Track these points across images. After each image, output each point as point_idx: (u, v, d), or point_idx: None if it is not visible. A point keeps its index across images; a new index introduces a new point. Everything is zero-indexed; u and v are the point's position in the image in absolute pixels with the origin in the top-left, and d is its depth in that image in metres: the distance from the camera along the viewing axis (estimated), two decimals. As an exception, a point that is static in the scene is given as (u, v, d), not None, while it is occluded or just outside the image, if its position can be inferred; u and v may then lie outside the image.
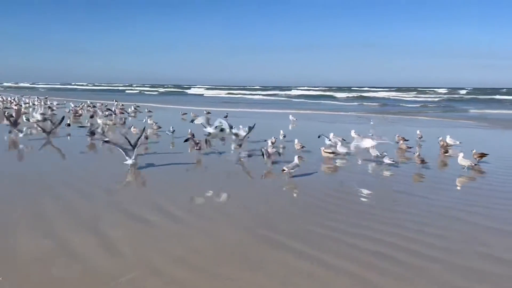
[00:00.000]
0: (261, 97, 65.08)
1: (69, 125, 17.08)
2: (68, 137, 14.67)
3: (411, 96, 66.51)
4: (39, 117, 17.69)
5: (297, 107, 35.82)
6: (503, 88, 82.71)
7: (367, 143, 10.82)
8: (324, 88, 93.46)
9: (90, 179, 8.52)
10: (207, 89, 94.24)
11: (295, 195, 7.91)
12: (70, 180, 8.37)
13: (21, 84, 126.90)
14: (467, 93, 70.43)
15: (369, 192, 7.99)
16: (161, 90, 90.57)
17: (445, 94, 70.66)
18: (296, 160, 9.21)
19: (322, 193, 7.86)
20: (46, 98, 35.92)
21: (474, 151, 10.92)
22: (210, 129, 12.51)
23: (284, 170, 9.04)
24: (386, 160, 10.36)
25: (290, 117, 22.15)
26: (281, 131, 14.77)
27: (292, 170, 9.08)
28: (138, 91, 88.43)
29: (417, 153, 10.68)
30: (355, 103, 47.17)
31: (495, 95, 62.45)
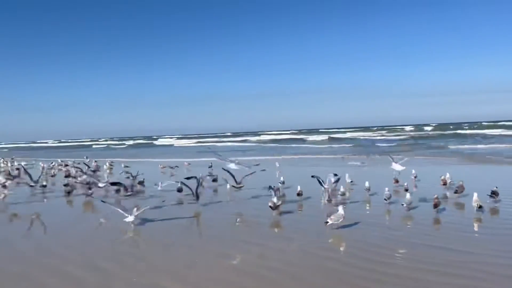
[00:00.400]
0: (232, 143, 64.77)
1: (44, 186, 15.66)
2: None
3: (380, 135, 67.86)
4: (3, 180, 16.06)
5: (273, 153, 35.12)
6: (465, 123, 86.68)
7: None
8: (294, 131, 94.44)
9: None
10: (178, 138, 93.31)
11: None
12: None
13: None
14: (433, 129, 72.80)
15: (403, 251, 6.94)
16: (129, 142, 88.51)
17: (412, 131, 72.79)
18: (340, 210, 8.30)
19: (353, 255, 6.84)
20: (12, 159, 33.53)
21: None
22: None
23: (327, 222, 8.16)
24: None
25: (276, 164, 21.33)
26: (281, 177, 14.56)
27: (337, 222, 8.20)
28: (105, 145, 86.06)
29: (436, 195, 9.85)
30: (336, 145, 46.48)
31: (458, 130, 65.11)
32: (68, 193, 13.92)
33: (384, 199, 10.61)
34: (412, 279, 5.65)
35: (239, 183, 13.28)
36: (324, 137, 66.94)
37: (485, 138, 45.23)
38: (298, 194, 11.71)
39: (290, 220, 9.51)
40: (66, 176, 17.97)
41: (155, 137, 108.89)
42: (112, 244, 7.90)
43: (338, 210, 8.40)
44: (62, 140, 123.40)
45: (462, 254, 6.62)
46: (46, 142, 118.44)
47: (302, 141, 62.95)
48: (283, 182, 14.16)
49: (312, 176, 11.83)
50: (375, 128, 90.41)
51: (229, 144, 64.19)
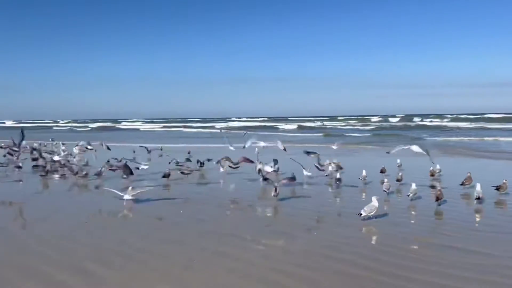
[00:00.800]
0: (200, 130, 63.36)
1: (20, 167, 14.71)
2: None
3: (347, 124, 68.34)
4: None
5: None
6: (431, 114, 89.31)
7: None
8: (264, 119, 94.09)
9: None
10: (143, 123, 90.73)
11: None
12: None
13: None
14: (400, 120, 74.46)
15: (421, 251, 6.39)
16: (92, 125, 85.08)
17: (379, 122, 74.14)
18: (374, 201, 7.85)
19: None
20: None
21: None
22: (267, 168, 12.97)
23: (360, 214, 7.73)
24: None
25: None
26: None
27: (371, 214, 7.79)
28: (68, 127, 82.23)
29: (439, 188, 9.59)
30: (308, 134, 46.03)
31: (423, 121, 66.96)
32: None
33: (384, 190, 10.21)
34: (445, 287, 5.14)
35: (236, 164, 13.96)
36: (294, 125, 66.84)
37: (452, 131, 46.53)
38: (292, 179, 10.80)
39: (291, 212, 8.94)
40: (35, 159, 16.35)
41: (119, 120, 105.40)
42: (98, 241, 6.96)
43: (371, 201, 7.95)
44: (23, 121, 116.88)
45: (488, 257, 6.12)
46: (3, 123, 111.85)
47: (275, 128, 62.66)
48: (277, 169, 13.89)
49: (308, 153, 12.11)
50: (342, 118, 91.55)
51: (196, 130, 62.65)
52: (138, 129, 70.05)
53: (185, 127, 71.81)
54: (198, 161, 15.57)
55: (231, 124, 78.87)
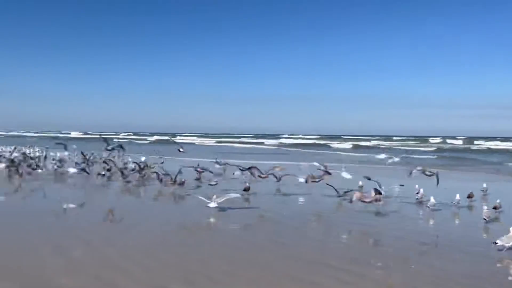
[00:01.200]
0: (253, 146, 63.29)
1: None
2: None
3: (405, 145, 65.26)
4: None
5: (313, 159, 33.21)
6: (497, 137, 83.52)
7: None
8: (317, 136, 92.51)
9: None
10: (198, 137, 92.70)
11: None
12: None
13: (13, 133, 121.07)
14: (464, 143, 70.13)
15: None
16: (150, 138, 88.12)
17: (440, 143, 70.45)
18: None
19: None
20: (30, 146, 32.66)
21: None
22: None
23: (496, 243, 7.05)
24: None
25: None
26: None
27: (509, 244, 7.02)
28: (128, 139, 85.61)
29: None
30: (365, 154, 43.73)
31: (486, 143, 62.63)
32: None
33: (484, 218, 9.35)
34: None
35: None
36: (348, 144, 64.78)
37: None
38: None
39: (380, 237, 8.29)
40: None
41: (176, 134, 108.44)
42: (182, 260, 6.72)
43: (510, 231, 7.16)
44: (88, 132, 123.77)
45: None
46: (69, 133, 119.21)
47: (328, 147, 61.30)
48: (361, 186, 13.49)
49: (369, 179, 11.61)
50: (398, 138, 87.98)
51: (248, 146, 62.61)
52: (193, 143, 71.40)
53: (239, 142, 72.33)
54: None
55: (283, 141, 78.33)
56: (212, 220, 9.79)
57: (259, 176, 14.82)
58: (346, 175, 14.22)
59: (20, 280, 5.65)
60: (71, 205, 9.70)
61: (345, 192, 12.14)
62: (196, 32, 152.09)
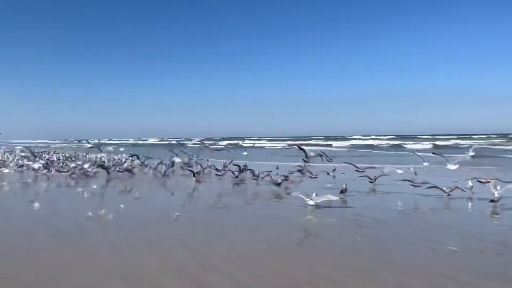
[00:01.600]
0: (322, 148, 61.50)
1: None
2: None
3: (493, 144, 59.99)
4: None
5: (402, 161, 31.76)
6: None
7: None
8: (390, 137, 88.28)
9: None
10: (268, 140, 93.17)
11: None
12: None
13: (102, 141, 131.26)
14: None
15: None
16: (222, 143, 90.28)
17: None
18: None
19: None
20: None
21: None
22: None
23: None
24: None
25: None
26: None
27: None
28: (199, 145, 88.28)
29: None
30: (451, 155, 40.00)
31: None
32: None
33: None
34: None
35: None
36: (426, 144, 61.06)
37: None
38: None
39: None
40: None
41: (244, 138, 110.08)
42: (288, 268, 6.52)
43: None
44: (165, 138, 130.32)
45: None
46: (147, 140, 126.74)
47: (400, 147, 58.37)
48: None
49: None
50: (484, 135, 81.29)
51: (315, 148, 61.04)
52: (263, 147, 71.81)
53: (307, 145, 71.49)
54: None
55: (353, 142, 76.05)
56: (310, 223, 9.69)
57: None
58: (452, 166, 13.92)
59: (131, 281, 5.78)
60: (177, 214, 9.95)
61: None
62: (267, 41, 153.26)
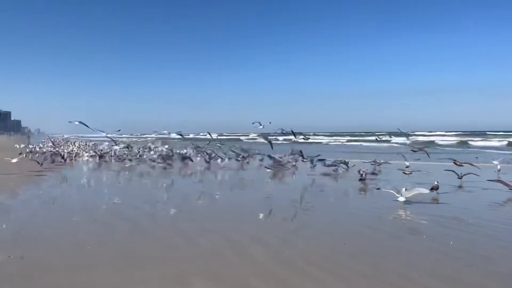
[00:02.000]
0: (378, 144, 58.06)
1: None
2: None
3: None
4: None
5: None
6: None
7: None
8: (456, 133, 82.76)
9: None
10: (325, 136, 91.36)
11: None
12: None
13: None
14: None
15: None
16: (280, 138, 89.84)
17: None
18: None
19: None
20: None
21: None
22: None
23: None
24: None
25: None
26: None
27: None
28: (252, 141, 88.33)
29: None
30: None
31: None
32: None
33: None
34: None
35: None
36: (500, 141, 56.22)
37: None
38: None
39: None
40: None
41: (302, 133, 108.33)
42: (376, 272, 6.00)
43: None
44: (224, 134, 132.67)
45: None
46: (205, 135, 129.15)
47: (466, 144, 54.41)
48: None
49: None
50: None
51: (374, 144, 57.68)
52: (321, 142, 70.33)
53: (363, 141, 68.89)
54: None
55: (414, 138, 71.84)
56: (400, 222, 9.03)
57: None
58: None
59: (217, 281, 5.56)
60: None
61: None
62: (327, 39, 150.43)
